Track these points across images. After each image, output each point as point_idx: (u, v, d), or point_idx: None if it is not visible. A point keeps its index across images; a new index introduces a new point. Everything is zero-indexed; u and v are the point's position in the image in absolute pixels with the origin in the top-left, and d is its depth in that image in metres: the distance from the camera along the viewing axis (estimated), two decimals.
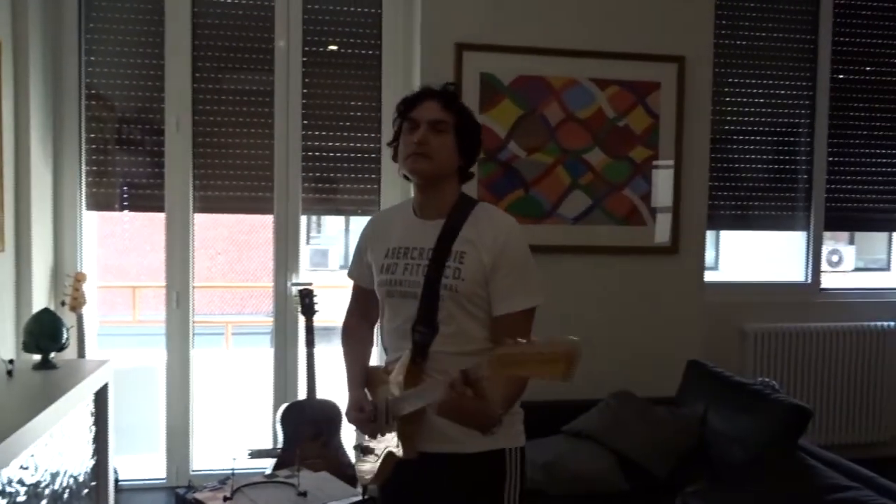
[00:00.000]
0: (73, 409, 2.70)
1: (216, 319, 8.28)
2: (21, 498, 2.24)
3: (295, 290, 3.62)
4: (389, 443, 1.79)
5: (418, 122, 1.77)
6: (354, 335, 2.03)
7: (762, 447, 2.65)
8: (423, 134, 1.75)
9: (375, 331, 2.08)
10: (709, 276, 3.92)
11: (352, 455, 3.37)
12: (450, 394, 1.49)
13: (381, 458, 1.81)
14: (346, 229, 10.98)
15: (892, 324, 4.29)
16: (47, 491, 2.47)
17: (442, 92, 1.82)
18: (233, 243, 10.07)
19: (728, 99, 4.18)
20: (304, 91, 3.71)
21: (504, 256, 1.74)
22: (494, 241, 1.75)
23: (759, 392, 2.88)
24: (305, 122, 3.72)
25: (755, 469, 2.58)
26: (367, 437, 1.89)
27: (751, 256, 8.93)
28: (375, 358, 2.08)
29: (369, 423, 1.82)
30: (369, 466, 1.88)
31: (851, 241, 11.56)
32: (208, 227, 9.43)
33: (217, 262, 9.98)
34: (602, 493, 2.76)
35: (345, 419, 2.93)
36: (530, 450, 2.96)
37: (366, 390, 1.90)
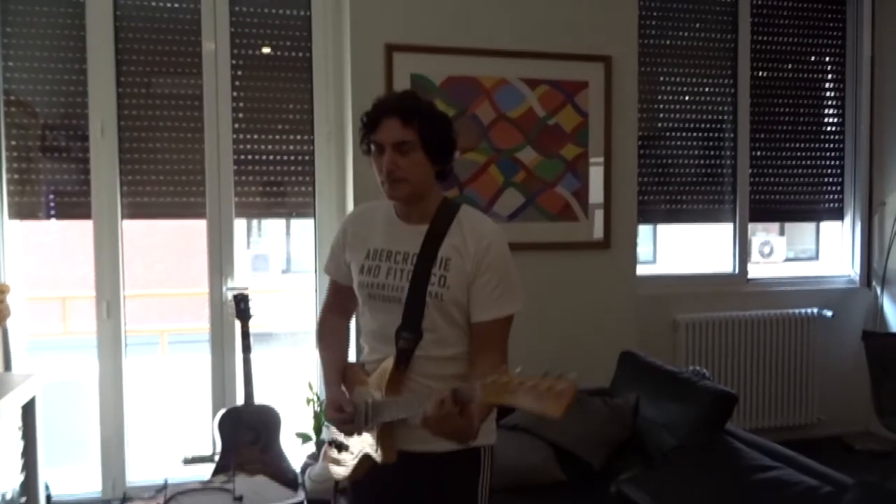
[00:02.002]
0: None
1: (150, 328, 8.11)
2: None
3: (230, 295, 3.58)
4: (366, 444, 1.79)
5: (383, 145, 1.73)
6: (331, 332, 2.01)
7: (691, 433, 2.73)
8: (390, 160, 1.72)
9: (352, 326, 2.09)
10: (647, 270, 4.01)
11: (294, 458, 3.37)
12: (439, 410, 1.51)
13: (357, 458, 1.82)
14: (288, 233, 10.86)
15: (816, 310, 4.47)
16: None
17: (400, 107, 1.74)
18: (171, 250, 9.85)
19: (655, 97, 4.30)
20: (235, 94, 3.67)
21: (485, 263, 1.74)
22: (477, 247, 1.75)
23: (687, 380, 2.97)
24: (236, 125, 3.68)
25: (683, 454, 2.66)
26: (342, 434, 1.89)
27: (687, 250, 9.18)
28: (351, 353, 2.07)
29: (347, 424, 1.81)
30: (343, 462, 1.89)
31: (782, 233, 11.96)
32: (144, 235, 9.21)
33: (154, 270, 9.75)
34: (539, 485, 2.81)
35: (285, 425, 2.93)
36: None
37: (343, 388, 1.89)
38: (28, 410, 2.93)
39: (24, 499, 2.91)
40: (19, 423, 2.89)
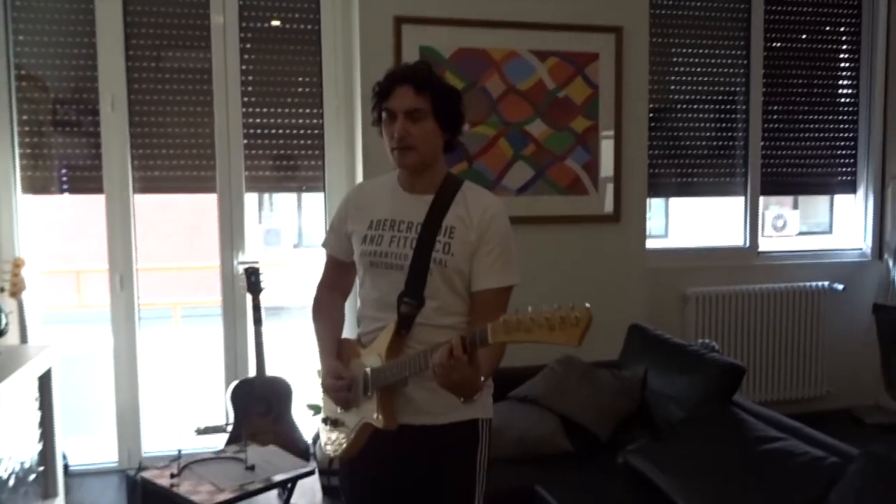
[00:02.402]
0: (15, 394, 2.67)
1: (163, 301, 8.19)
2: None
3: (241, 268, 3.61)
4: (365, 414, 1.80)
5: (395, 112, 1.75)
6: (327, 308, 2.01)
7: (698, 405, 2.75)
8: (402, 127, 1.73)
9: (347, 304, 2.08)
10: (658, 244, 4.00)
11: (305, 429, 3.42)
12: (448, 358, 1.52)
13: (356, 430, 1.82)
14: (299, 207, 10.91)
15: (826, 284, 4.45)
16: None
17: (413, 76, 1.76)
18: (184, 225, 9.92)
19: (667, 69, 4.26)
20: (244, 67, 3.67)
21: (489, 234, 1.77)
22: (481, 218, 1.78)
23: (695, 353, 2.98)
24: (245, 98, 3.69)
25: (690, 425, 2.68)
26: (338, 410, 1.89)
27: (699, 224, 9.13)
28: (346, 331, 2.06)
29: (345, 392, 1.82)
30: (340, 439, 1.89)
31: (796, 206, 11.85)
32: (157, 210, 9.27)
33: (169, 245, 9.82)
34: (546, 455, 2.83)
35: (296, 396, 2.95)
36: None
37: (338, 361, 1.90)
38: (44, 381, 2.99)
39: (41, 468, 2.98)
40: (36, 393, 2.95)
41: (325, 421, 1.95)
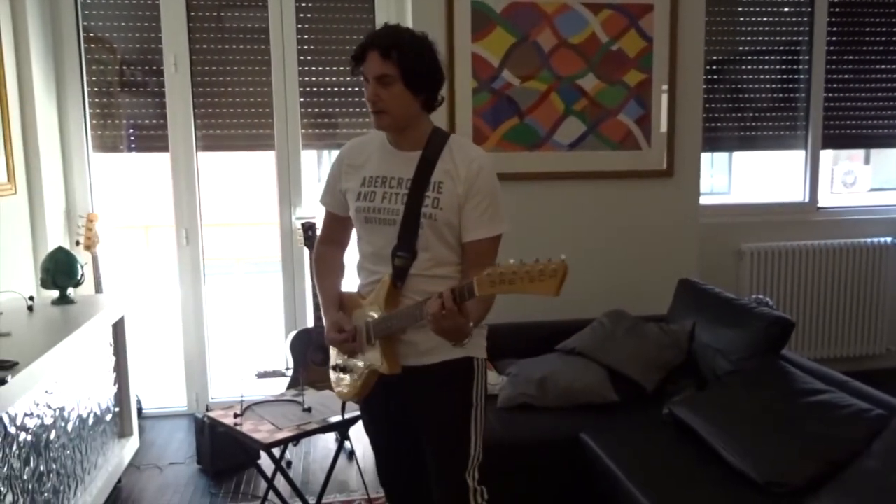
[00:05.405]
0: (92, 340, 2.87)
1: (227, 256, 8.46)
2: (48, 420, 2.43)
3: (298, 223, 3.73)
4: (371, 361, 1.93)
5: (367, 77, 1.83)
6: (327, 263, 2.12)
7: (745, 358, 2.75)
8: (373, 91, 1.82)
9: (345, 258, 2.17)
10: (720, 200, 3.94)
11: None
12: (440, 308, 1.64)
13: (364, 375, 1.96)
14: None
15: (888, 240, 4.34)
16: (73, 415, 2.66)
17: (378, 41, 1.81)
18: (251, 183, 10.14)
19: (727, 19, 4.14)
20: (300, 27, 3.75)
21: (476, 187, 1.84)
22: (468, 172, 1.84)
23: (744, 306, 2.97)
24: (301, 57, 3.77)
25: (736, 378, 2.69)
26: (345, 357, 2.02)
27: (765, 180, 8.89)
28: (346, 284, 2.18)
29: (349, 343, 1.95)
30: (348, 384, 2.03)
31: (867, 161, 11.40)
32: (224, 168, 9.47)
33: (234, 201, 10.06)
34: (592, 405, 2.89)
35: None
36: (526, 367, 3.11)
37: (341, 313, 2.01)
38: (117, 329, 3.19)
39: (117, 408, 3.20)
40: (110, 340, 3.15)
41: (334, 368, 2.07)
